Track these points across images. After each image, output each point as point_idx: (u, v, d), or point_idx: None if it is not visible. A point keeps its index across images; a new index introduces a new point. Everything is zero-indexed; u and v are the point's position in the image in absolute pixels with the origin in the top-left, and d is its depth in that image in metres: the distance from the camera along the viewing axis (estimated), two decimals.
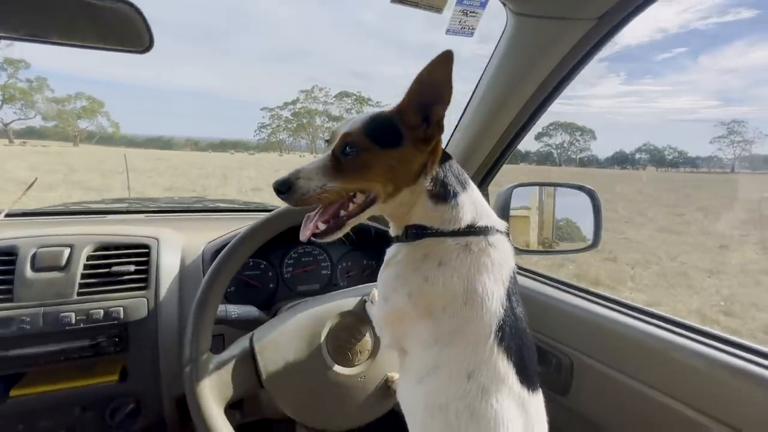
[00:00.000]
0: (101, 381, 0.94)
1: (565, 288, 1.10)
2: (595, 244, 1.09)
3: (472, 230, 0.60)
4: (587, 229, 1.12)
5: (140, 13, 0.69)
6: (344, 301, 0.89)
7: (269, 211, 1.53)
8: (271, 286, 1.20)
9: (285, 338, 0.81)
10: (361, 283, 1.30)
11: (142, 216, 1.35)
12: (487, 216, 0.63)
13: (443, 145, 0.64)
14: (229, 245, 0.77)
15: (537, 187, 1.25)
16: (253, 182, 14.07)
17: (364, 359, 0.85)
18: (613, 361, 0.90)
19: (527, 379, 0.55)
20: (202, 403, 0.69)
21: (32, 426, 0.93)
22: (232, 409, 0.83)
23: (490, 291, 0.56)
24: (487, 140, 1.09)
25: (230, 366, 0.76)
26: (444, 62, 0.53)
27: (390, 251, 0.65)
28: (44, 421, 0.93)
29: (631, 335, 0.87)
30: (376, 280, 0.70)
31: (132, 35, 0.73)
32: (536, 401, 0.56)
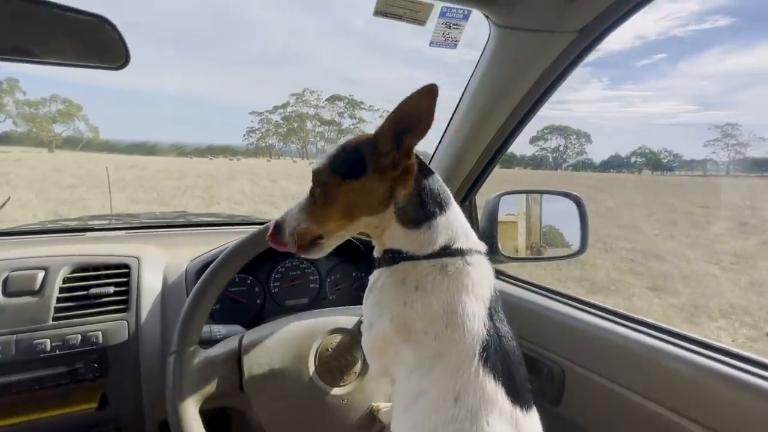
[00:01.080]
0: (79, 409, 0.92)
1: (555, 297, 1.12)
2: (582, 250, 1.12)
3: (447, 252, 0.60)
4: (573, 236, 1.15)
5: (115, 29, 0.70)
6: (341, 318, 0.90)
7: (255, 224, 1.54)
8: (258, 302, 1.20)
9: (274, 344, 0.81)
10: (350, 296, 1.31)
11: (122, 233, 1.34)
12: (465, 236, 0.63)
13: (421, 160, 0.64)
14: (244, 238, 0.78)
15: (524, 195, 1.28)
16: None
17: (350, 381, 0.85)
18: (602, 370, 0.92)
19: (519, 398, 0.55)
20: (179, 393, 0.70)
21: None
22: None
23: (470, 312, 0.57)
24: (472, 150, 1.11)
25: (215, 362, 0.76)
26: (428, 94, 0.54)
27: (372, 277, 0.67)
28: None
29: (619, 343, 0.90)
30: (364, 293, 0.71)
31: (108, 51, 0.74)
32: (530, 420, 0.56)
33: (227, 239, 1.13)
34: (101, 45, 0.72)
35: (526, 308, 1.11)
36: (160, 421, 0.98)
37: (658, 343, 0.85)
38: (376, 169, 0.59)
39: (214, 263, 0.77)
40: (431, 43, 0.89)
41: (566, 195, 1.16)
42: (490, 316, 0.58)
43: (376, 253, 0.68)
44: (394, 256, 0.62)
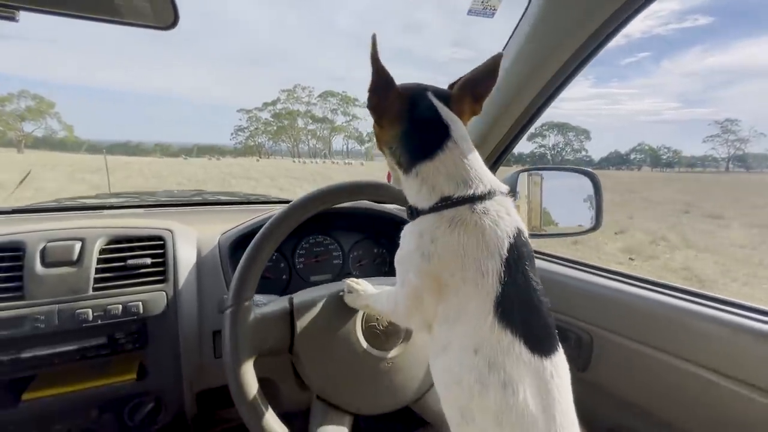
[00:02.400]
0: (118, 380, 0.94)
1: (578, 267, 1.18)
2: (596, 226, 1.15)
3: (449, 203, 0.60)
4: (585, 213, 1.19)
5: None
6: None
7: (272, 203, 1.57)
8: (284, 277, 1.24)
9: (322, 307, 0.85)
10: (373, 272, 1.35)
11: (140, 210, 1.36)
12: (468, 180, 0.61)
13: (415, 98, 0.66)
14: (291, 205, 0.81)
15: (525, 174, 1.31)
16: None
17: (395, 345, 0.88)
18: (632, 333, 0.96)
19: (539, 346, 0.56)
20: (237, 344, 0.73)
21: (48, 430, 0.92)
22: None
23: (483, 266, 0.56)
24: (504, 118, 1.15)
25: (268, 319, 0.80)
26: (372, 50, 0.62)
27: (403, 231, 0.69)
28: (60, 425, 0.93)
29: (648, 307, 0.94)
30: (387, 269, 0.74)
31: (159, 10, 0.76)
32: (551, 365, 0.57)
33: (245, 217, 1.17)
34: (153, 3, 0.74)
35: (551, 279, 1.16)
36: (198, 392, 1.01)
37: (688, 305, 0.90)
38: (374, 115, 0.69)
39: (269, 221, 0.79)
40: (469, 12, 0.92)
41: (582, 171, 1.20)
42: (507, 269, 0.57)
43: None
44: (412, 211, 0.65)
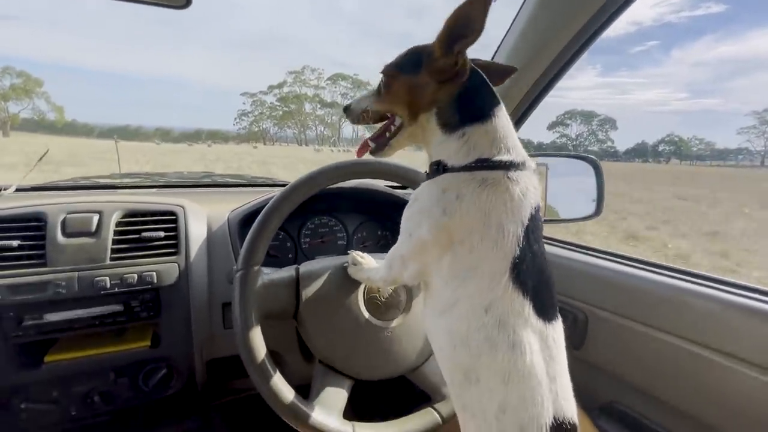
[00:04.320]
0: (133, 346, 1.04)
1: (574, 248, 1.26)
2: (597, 212, 1.21)
3: (486, 164, 0.64)
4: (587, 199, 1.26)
5: None
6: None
7: (278, 186, 1.67)
8: (290, 256, 1.34)
9: (326, 277, 0.94)
10: (376, 253, 1.44)
11: (152, 190, 1.47)
12: (507, 149, 0.66)
13: (477, 70, 0.69)
14: (302, 177, 0.89)
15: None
16: None
17: (395, 316, 0.97)
18: (626, 312, 1.05)
19: (544, 312, 0.61)
20: (246, 306, 0.83)
21: (67, 391, 1.03)
22: None
23: (506, 229, 0.61)
24: (520, 84, 1.20)
25: (276, 284, 0.89)
26: (480, 1, 0.58)
27: (417, 190, 0.73)
28: (79, 387, 1.04)
29: (643, 286, 1.02)
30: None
31: None
32: (554, 331, 0.64)
33: (252, 198, 1.27)
34: None
35: (548, 260, 1.24)
36: (208, 360, 1.12)
37: (680, 283, 0.98)
38: (429, 70, 0.68)
39: (277, 196, 0.88)
40: None
41: (583, 158, 1.26)
42: (527, 235, 0.62)
43: (426, 169, 0.77)
44: (437, 168, 0.68)
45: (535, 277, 0.62)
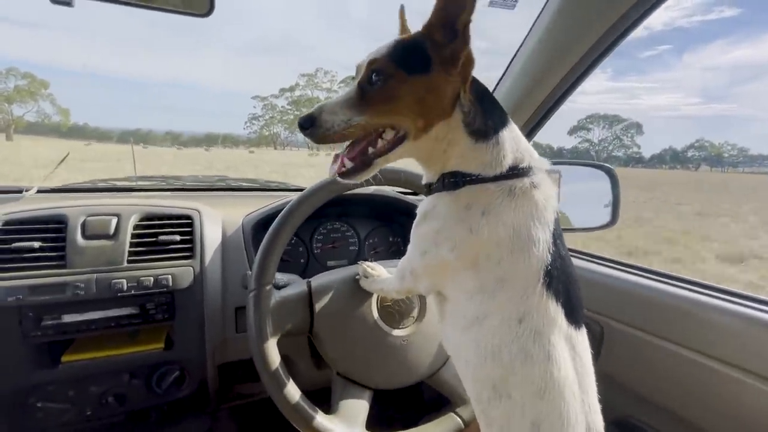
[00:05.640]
0: (148, 348, 1.09)
1: (590, 258, 1.27)
2: (613, 221, 1.23)
3: (516, 172, 0.62)
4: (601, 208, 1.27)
5: None
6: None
7: (291, 191, 1.72)
8: (302, 261, 1.39)
9: (339, 289, 0.97)
10: (387, 259, 1.47)
11: (168, 194, 1.53)
12: (529, 154, 0.65)
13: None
14: (306, 191, 0.92)
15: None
16: None
17: (409, 324, 1.00)
18: (643, 325, 1.06)
19: (574, 317, 0.62)
20: (261, 325, 0.86)
21: (83, 391, 1.08)
22: None
23: (536, 237, 0.60)
24: (533, 97, 1.23)
25: (288, 301, 0.93)
26: None
27: (426, 204, 0.69)
28: (94, 387, 1.08)
29: (660, 299, 1.03)
30: (401, 257, 0.78)
31: None
32: (582, 337, 0.63)
33: (265, 202, 1.32)
34: None
35: None
36: (220, 364, 1.16)
37: (699, 297, 0.98)
38: (441, 63, 0.59)
39: (285, 208, 0.92)
40: (491, 3, 1.01)
41: (598, 167, 1.28)
42: (554, 241, 0.62)
43: (427, 179, 0.70)
44: (456, 180, 0.64)
45: (565, 282, 0.63)
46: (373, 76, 0.60)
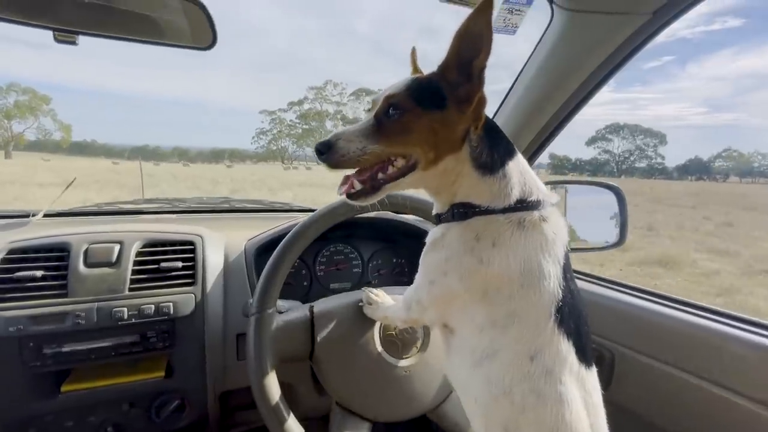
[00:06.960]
0: (148, 377, 1.10)
1: (601, 282, 1.27)
2: (621, 241, 1.24)
3: (524, 205, 0.65)
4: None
5: (205, 10, 0.90)
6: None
7: (295, 211, 1.75)
8: (305, 284, 1.41)
9: (342, 315, 0.98)
10: (391, 281, 1.49)
11: (173, 216, 1.57)
12: (537, 187, 0.68)
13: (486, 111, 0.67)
14: (311, 216, 0.94)
15: (549, 187, 1.42)
16: None
17: (412, 355, 1.00)
18: (656, 353, 1.05)
19: (584, 355, 0.63)
20: (261, 349, 0.88)
21: (82, 421, 1.09)
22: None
23: (546, 271, 0.61)
24: (531, 126, 1.26)
25: (290, 326, 0.94)
26: (482, 12, 0.57)
27: (435, 232, 0.72)
28: (93, 417, 1.10)
29: (674, 326, 1.02)
30: (406, 279, 0.82)
31: (199, 31, 0.95)
32: (592, 377, 0.64)
33: (271, 224, 1.35)
34: (193, 26, 0.92)
35: None
36: (221, 393, 1.17)
37: (714, 325, 0.98)
38: (455, 102, 0.64)
39: (290, 233, 0.94)
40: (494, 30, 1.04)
41: (607, 186, 1.29)
42: (564, 275, 0.63)
43: (437, 209, 0.73)
44: (466, 211, 0.66)
45: (575, 319, 0.64)
46: (390, 110, 0.65)
